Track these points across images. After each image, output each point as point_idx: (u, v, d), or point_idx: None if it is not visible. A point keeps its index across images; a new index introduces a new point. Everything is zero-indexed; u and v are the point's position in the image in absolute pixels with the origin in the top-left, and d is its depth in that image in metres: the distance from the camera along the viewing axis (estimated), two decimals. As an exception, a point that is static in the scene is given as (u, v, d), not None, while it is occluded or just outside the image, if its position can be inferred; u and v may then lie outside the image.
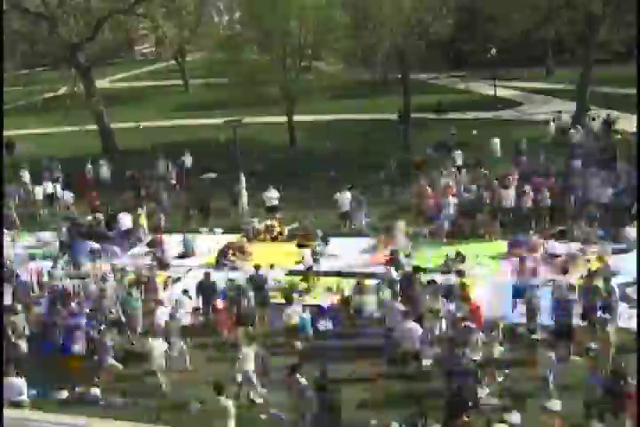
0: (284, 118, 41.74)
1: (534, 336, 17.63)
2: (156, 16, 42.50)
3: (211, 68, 48.12)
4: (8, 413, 15.59)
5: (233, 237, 26.08)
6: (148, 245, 25.99)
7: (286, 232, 26.51)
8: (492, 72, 46.62)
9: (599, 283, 18.00)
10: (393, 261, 21.82)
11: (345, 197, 27.06)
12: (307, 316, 18.64)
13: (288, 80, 39.75)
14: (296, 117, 41.98)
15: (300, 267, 22.68)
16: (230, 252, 24.49)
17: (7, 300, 20.59)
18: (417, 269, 20.27)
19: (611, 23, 38.39)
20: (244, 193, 29.14)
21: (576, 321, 17.30)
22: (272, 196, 28.63)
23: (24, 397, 16.45)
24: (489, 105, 45.46)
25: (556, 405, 14.97)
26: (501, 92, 47.96)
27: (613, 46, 39.16)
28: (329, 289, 21.36)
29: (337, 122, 46.27)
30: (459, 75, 53.04)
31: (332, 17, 39.24)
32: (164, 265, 23.88)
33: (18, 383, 16.44)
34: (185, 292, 20.05)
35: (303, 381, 14.55)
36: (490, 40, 45.66)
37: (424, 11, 40.38)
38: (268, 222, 26.91)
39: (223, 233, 27.22)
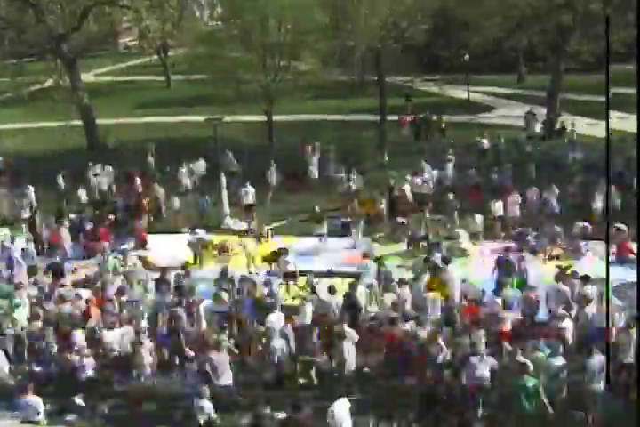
0: (263, 117, 42.05)
1: None
2: (140, 8, 42.98)
3: (192, 64, 48.36)
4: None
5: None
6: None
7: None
8: (465, 77, 47.90)
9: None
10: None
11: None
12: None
13: (267, 79, 40.15)
14: (275, 117, 42.34)
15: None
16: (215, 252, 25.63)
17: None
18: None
19: (580, 35, 39.71)
20: (224, 193, 29.65)
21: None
22: (249, 190, 29.06)
23: (40, 416, 16.12)
24: (460, 108, 46.68)
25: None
26: (473, 97, 49.50)
27: (583, 57, 40.34)
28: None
29: (315, 122, 46.82)
30: (433, 79, 54.13)
31: (310, 17, 39.75)
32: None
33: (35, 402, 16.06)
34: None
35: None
36: (463, 46, 46.75)
37: (400, 15, 41.21)
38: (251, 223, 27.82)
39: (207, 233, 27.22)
